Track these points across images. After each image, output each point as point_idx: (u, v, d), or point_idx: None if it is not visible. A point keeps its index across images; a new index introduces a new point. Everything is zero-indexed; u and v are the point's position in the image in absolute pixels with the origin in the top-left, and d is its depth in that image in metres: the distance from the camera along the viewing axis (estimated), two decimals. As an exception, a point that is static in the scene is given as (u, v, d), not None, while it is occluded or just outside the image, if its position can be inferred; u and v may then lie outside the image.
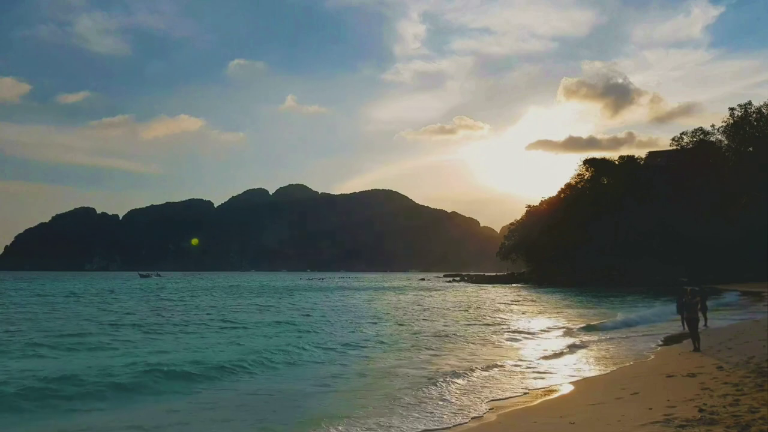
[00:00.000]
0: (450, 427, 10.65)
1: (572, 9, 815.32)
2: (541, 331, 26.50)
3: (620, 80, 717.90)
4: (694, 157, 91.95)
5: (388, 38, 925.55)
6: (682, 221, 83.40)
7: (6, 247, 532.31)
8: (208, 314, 35.42)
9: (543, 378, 15.47)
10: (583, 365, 17.74)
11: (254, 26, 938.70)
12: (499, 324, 29.45)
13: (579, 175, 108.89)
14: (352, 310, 38.63)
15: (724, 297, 50.28)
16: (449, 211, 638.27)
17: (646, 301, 47.34)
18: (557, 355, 19.87)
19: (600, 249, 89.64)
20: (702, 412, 9.58)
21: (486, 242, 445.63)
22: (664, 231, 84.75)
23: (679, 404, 10.43)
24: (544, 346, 21.84)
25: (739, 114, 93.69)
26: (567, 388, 14.06)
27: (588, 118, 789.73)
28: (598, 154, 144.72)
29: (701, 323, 21.77)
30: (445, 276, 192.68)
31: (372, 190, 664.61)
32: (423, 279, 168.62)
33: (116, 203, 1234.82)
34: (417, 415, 11.34)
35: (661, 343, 22.21)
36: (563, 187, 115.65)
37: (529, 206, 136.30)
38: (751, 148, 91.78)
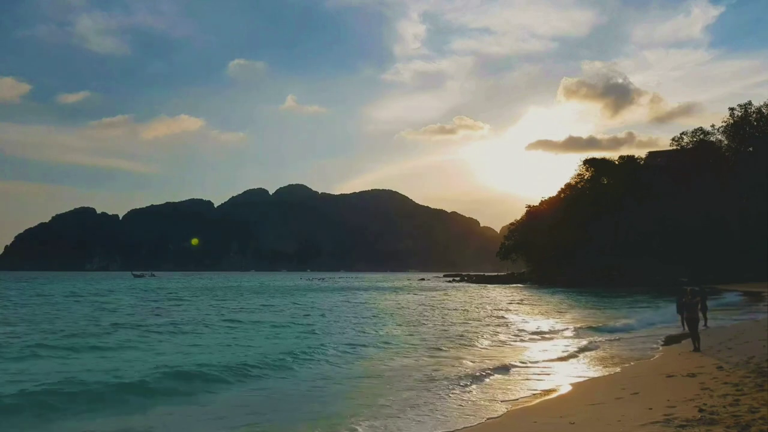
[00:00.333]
0: (459, 429, 10.63)
1: (572, 9, 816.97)
2: (543, 332, 26.46)
3: (620, 80, 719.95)
4: (694, 157, 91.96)
5: (388, 38, 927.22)
6: (682, 221, 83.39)
7: (6, 247, 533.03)
8: (208, 314, 35.38)
9: (543, 379, 15.46)
10: (584, 366, 17.74)
11: (254, 26, 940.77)
12: (502, 325, 29.40)
13: (579, 175, 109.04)
14: (356, 311, 38.40)
15: (724, 297, 50.27)
16: (449, 211, 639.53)
17: (649, 302, 47.28)
18: (560, 355, 19.86)
19: (600, 249, 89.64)
20: (702, 412, 9.58)
21: (486, 242, 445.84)
22: (664, 231, 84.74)
23: (679, 404, 10.43)
24: (546, 347, 21.84)
25: (739, 114, 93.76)
26: (567, 388, 14.05)
27: (588, 118, 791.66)
28: (598, 154, 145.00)
29: (701, 323, 21.76)
30: (445, 276, 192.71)
31: (372, 190, 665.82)
32: (423, 279, 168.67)
33: (116, 203, 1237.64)
34: (426, 416, 11.34)
35: (661, 343, 22.21)
36: (563, 187, 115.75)
37: (529, 206, 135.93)
38: (751, 148, 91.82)
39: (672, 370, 14.67)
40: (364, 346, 20.78)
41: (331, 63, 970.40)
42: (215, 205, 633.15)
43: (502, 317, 34.13)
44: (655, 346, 21.44)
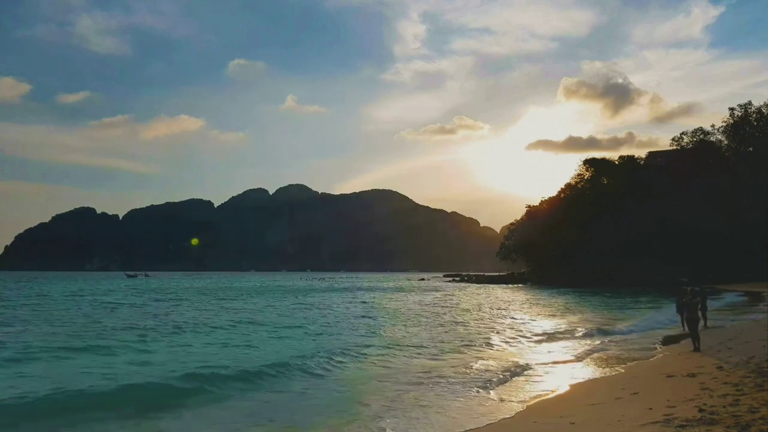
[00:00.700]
0: (460, 430, 10.64)
1: (572, 9, 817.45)
2: (544, 333, 26.44)
3: (620, 80, 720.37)
4: (694, 157, 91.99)
5: (388, 38, 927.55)
6: (682, 221, 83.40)
7: (6, 247, 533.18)
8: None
9: (543, 379, 15.50)
10: (584, 366, 17.75)
11: (254, 26, 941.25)
12: (504, 326, 29.25)
13: (579, 175, 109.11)
14: (364, 312, 37.99)
15: (724, 297, 50.28)
16: (449, 211, 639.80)
17: (649, 302, 47.27)
18: (560, 356, 19.90)
19: (600, 249, 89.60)
20: (702, 412, 9.58)
21: (486, 242, 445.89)
22: (664, 231, 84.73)
23: (679, 404, 10.43)
24: (547, 347, 21.87)
25: (739, 114, 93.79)
26: (567, 389, 14.06)
27: (588, 118, 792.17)
28: (598, 154, 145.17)
29: (701, 323, 21.76)
30: (445, 276, 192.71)
31: (372, 190, 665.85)
32: (423, 279, 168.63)
33: (116, 203, 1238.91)
34: (428, 417, 11.37)
35: (660, 343, 22.22)
36: (563, 187, 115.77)
37: (529, 206, 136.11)
38: (751, 148, 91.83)
39: (672, 370, 14.67)
40: (371, 346, 20.48)
41: (331, 63, 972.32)
42: (215, 205, 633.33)
43: (504, 318, 34.09)
44: (654, 346, 21.44)
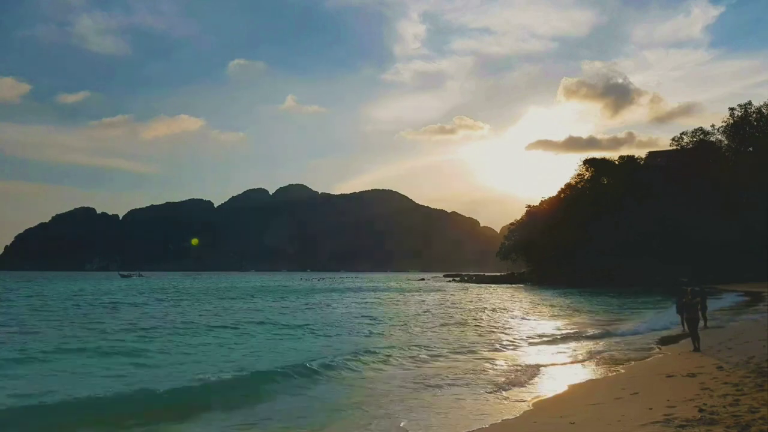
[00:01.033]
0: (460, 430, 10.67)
1: (572, 9, 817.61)
2: (545, 333, 26.47)
3: (620, 80, 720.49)
4: (694, 157, 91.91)
5: (388, 38, 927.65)
6: (682, 221, 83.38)
7: (6, 247, 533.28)
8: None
9: (544, 380, 15.53)
10: (584, 366, 17.77)
11: (254, 26, 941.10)
12: (506, 327, 29.15)
13: (579, 175, 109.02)
14: (364, 313, 37.67)
15: (724, 297, 50.23)
16: (449, 211, 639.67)
17: (650, 302, 47.24)
18: (561, 356, 19.94)
19: (600, 249, 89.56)
20: (702, 412, 9.58)
21: (486, 242, 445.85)
22: (664, 231, 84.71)
23: (679, 404, 10.44)
24: (547, 347, 21.90)
25: (739, 114, 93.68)
26: (567, 389, 14.07)
27: (588, 118, 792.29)
28: (598, 154, 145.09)
29: (701, 323, 21.77)
30: (444, 276, 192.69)
31: (372, 190, 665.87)
32: (423, 279, 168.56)
33: (116, 203, 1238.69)
34: (435, 417, 11.40)
35: (660, 343, 22.23)
36: (563, 187, 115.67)
37: (529, 206, 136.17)
38: (751, 148, 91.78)
39: (672, 370, 14.67)
40: (377, 347, 20.35)
41: (331, 63, 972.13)
42: (215, 205, 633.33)
43: (506, 319, 34.05)
44: (654, 346, 21.45)
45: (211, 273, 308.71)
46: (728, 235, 78.26)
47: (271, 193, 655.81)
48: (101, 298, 52.37)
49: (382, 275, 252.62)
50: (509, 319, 33.39)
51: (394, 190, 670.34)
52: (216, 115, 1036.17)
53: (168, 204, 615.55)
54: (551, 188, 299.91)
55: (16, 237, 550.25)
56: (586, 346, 22.05)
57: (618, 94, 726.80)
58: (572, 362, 18.50)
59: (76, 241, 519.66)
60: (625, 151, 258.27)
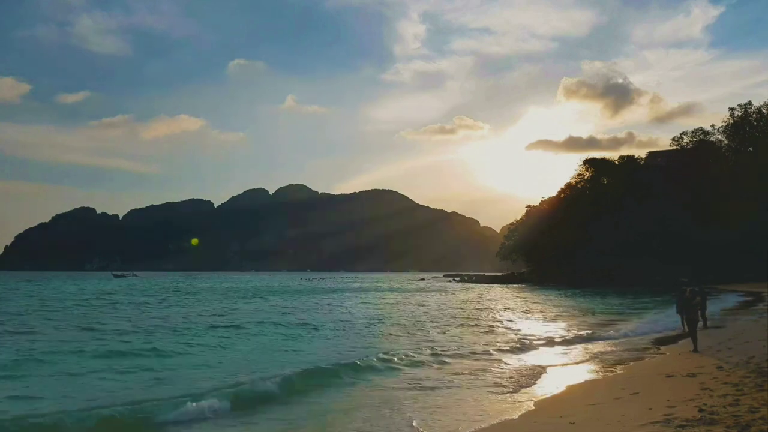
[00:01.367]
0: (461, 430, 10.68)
1: (572, 9, 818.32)
2: (546, 333, 26.43)
3: (620, 80, 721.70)
4: (694, 157, 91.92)
5: (388, 38, 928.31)
6: (682, 221, 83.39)
7: (6, 247, 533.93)
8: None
9: (544, 380, 15.52)
10: (584, 366, 17.77)
11: (254, 26, 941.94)
12: (507, 328, 29.01)
13: (579, 175, 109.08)
14: (370, 314, 37.07)
15: (724, 297, 50.22)
16: (449, 211, 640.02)
17: (650, 302, 47.19)
18: (562, 357, 19.93)
19: (600, 249, 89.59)
20: (702, 412, 9.58)
21: (486, 242, 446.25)
22: (664, 231, 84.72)
23: (679, 404, 10.43)
24: (548, 348, 21.87)
25: (739, 114, 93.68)
26: (567, 389, 14.07)
27: (588, 118, 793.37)
28: (598, 154, 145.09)
29: (700, 324, 21.77)
30: (445, 276, 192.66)
31: (372, 190, 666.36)
32: (423, 279, 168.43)
33: (116, 203, 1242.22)
34: (436, 418, 11.44)
35: (660, 343, 22.23)
36: (563, 187, 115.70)
37: (529, 206, 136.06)
38: (751, 148, 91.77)
39: (672, 370, 14.67)
40: (381, 349, 20.39)
41: (331, 63, 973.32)
42: (215, 205, 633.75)
43: (507, 319, 33.98)
44: (654, 346, 21.46)
45: (210, 273, 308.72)
46: (728, 235, 78.27)
47: (271, 193, 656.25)
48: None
49: (382, 275, 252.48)
50: (510, 320, 33.35)
51: (394, 190, 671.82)
52: (216, 115, 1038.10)
53: (168, 204, 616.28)
54: (551, 188, 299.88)
55: (16, 237, 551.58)
56: (586, 346, 22.05)
57: (618, 94, 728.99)
58: (572, 362, 18.48)
59: (76, 241, 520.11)
60: (625, 151, 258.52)
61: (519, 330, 27.63)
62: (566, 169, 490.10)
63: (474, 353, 19.84)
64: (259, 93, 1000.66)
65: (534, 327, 29.26)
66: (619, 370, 16.57)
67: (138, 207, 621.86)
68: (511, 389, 14.11)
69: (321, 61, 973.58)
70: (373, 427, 10.79)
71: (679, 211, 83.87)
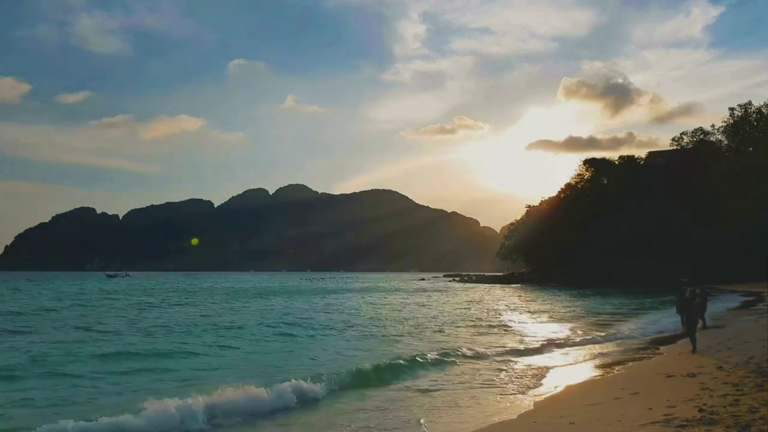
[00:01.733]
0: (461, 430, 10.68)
1: (572, 9, 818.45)
2: (546, 334, 26.41)
3: (620, 80, 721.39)
4: (694, 157, 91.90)
5: (388, 38, 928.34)
6: (682, 221, 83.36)
7: (6, 247, 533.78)
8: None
9: (544, 380, 15.53)
10: (584, 366, 17.77)
11: (254, 26, 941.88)
12: (507, 329, 28.93)
13: (579, 175, 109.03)
14: (374, 316, 36.54)
15: (724, 297, 50.22)
16: (449, 211, 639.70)
17: (650, 303, 47.16)
18: (562, 357, 19.93)
19: (600, 249, 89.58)
20: (702, 412, 9.57)
21: (486, 242, 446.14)
22: (664, 231, 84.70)
23: (679, 404, 10.42)
24: (549, 348, 21.84)
25: (739, 114, 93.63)
26: (567, 389, 14.07)
27: (588, 118, 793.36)
28: (598, 154, 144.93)
29: (700, 324, 21.77)
30: (444, 276, 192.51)
31: (372, 190, 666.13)
32: (423, 279, 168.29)
33: (116, 203, 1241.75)
34: (436, 418, 11.46)
35: (660, 343, 22.23)
36: (563, 187, 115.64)
37: (529, 206, 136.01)
38: (751, 148, 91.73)
39: (672, 370, 14.66)
40: (383, 352, 20.43)
41: (331, 63, 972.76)
42: (215, 205, 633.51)
43: (507, 320, 33.92)
44: (654, 346, 21.46)
45: (210, 273, 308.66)
46: (728, 235, 78.25)
47: (271, 193, 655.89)
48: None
49: (382, 275, 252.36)
50: (511, 320, 33.32)
51: (394, 190, 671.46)
52: (216, 115, 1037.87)
53: (168, 204, 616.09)
54: (551, 188, 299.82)
55: (16, 237, 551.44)
56: (586, 346, 22.05)
57: (618, 94, 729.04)
58: (572, 363, 18.49)
59: (76, 241, 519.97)
60: (625, 151, 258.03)
61: (520, 330, 27.64)
62: (566, 169, 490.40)
63: (476, 353, 19.85)
64: (259, 93, 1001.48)
65: (534, 327, 29.28)
66: (618, 370, 16.57)
67: (138, 207, 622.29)
68: (511, 389, 14.13)
69: (321, 61, 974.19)
70: (381, 425, 10.87)
71: (679, 211, 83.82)
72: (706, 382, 12.50)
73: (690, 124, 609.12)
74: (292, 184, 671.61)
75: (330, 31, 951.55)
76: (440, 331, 26.99)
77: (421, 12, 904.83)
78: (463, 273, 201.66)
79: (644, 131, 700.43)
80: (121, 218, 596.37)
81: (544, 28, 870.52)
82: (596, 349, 21.22)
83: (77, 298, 51.94)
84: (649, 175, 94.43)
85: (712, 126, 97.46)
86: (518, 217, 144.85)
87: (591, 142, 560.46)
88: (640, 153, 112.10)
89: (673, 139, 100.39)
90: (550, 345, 22.43)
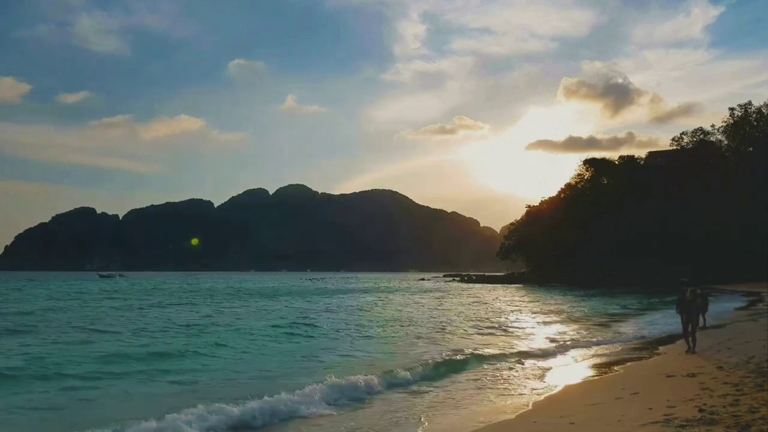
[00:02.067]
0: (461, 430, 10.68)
1: (572, 9, 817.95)
2: (547, 334, 26.42)
3: (620, 80, 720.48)
4: (694, 157, 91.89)
5: (388, 38, 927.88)
6: (682, 221, 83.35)
7: (6, 247, 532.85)
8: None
9: (544, 380, 15.52)
10: (584, 366, 17.76)
11: (254, 26, 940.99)
12: (507, 329, 28.80)
13: (579, 175, 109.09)
14: (378, 317, 36.06)
15: (724, 297, 50.22)
16: (449, 211, 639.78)
17: (651, 303, 47.23)
18: (563, 357, 19.91)
19: (600, 249, 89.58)
20: (702, 412, 9.56)
21: (486, 242, 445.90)
22: (664, 231, 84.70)
23: (679, 404, 10.41)
24: (549, 349, 21.83)
25: (739, 114, 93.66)
26: (567, 389, 14.06)
27: (588, 118, 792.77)
28: (598, 154, 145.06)
29: (700, 324, 21.75)
30: (444, 276, 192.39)
31: (372, 190, 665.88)
32: (423, 279, 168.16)
33: (116, 203, 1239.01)
34: (436, 418, 11.47)
35: (659, 343, 22.23)
36: (563, 187, 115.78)
37: (529, 206, 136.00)
38: (751, 148, 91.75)
39: (672, 370, 14.65)
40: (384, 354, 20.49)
41: (331, 63, 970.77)
42: (215, 205, 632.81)
43: (508, 320, 33.88)
44: (653, 346, 21.46)
45: (210, 273, 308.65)
46: (728, 235, 78.23)
47: (271, 193, 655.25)
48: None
49: (382, 275, 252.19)
50: (511, 320, 33.31)
51: (394, 190, 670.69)
52: (216, 115, 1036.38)
53: (168, 204, 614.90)
54: (551, 188, 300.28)
55: (16, 237, 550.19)
56: (586, 346, 22.03)
57: (618, 94, 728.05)
58: (572, 363, 18.50)
59: (76, 241, 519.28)
60: (625, 151, 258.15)
61: (520, 331, 27.62)
62: (566, 169, 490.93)
63: (476, 354, 19.84)
64: (259, 93, 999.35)
65: (534, 327, 29.27)
66: (618, 370, 16.56)
67: (138, 207, 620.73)
68: (511, 390, 14.12)
69: (321, 61, 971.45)
70: (378, 425, 10.89)
71: (679, 211, 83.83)
72: (706, 382, 12.49)
73: (690, 124, 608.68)
74: (292, 184, 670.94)
75: (330, 32, 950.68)
76: (441, 331, 26.97)
77: (421, 12, 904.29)
78: (464, 273, 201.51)
79: (644, 131, 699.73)
80: (121, 218, 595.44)
81: (544, 28, 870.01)
82: (596, 349, 21.21)
83: (77, 297, 51.94)
84: (649, 175, 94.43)
85: (712, 126, 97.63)
86: (518, 217, 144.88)
87: (591, 142, 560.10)
88: (640, 153, 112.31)
89: (673, 139, 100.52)
90: (550, 345, 22.44)
